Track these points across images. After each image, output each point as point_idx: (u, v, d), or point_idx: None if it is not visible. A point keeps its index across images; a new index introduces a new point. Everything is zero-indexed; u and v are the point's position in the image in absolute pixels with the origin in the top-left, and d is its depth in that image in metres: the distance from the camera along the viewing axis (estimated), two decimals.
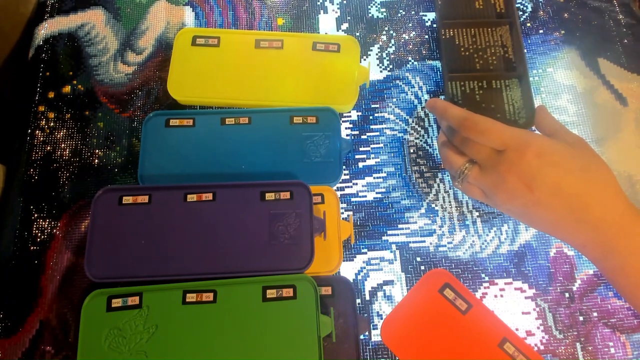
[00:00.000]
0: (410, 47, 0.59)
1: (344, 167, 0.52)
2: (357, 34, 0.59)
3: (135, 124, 0.55)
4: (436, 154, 0.54)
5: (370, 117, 0.56)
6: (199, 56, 0.55)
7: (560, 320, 0.48)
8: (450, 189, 0.53)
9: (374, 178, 0.53)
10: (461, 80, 0.53)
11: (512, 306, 0.48)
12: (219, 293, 0.44)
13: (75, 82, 0.56)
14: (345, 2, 0.61)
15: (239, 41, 0.55)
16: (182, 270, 0.45)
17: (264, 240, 0.46)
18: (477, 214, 0.52)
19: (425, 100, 0.56)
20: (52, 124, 0.54)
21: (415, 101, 0.56)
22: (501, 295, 0.49)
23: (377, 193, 0.53)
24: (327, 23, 0.60)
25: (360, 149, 0.54)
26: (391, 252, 0.50)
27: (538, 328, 0.48)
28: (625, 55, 0.58)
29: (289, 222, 0.46)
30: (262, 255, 0.45)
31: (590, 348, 0.47)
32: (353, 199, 0.52)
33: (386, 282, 0.49)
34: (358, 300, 0.49)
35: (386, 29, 0.60)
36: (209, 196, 0.47)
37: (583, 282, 0.49)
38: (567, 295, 0.49)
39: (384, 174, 0.53)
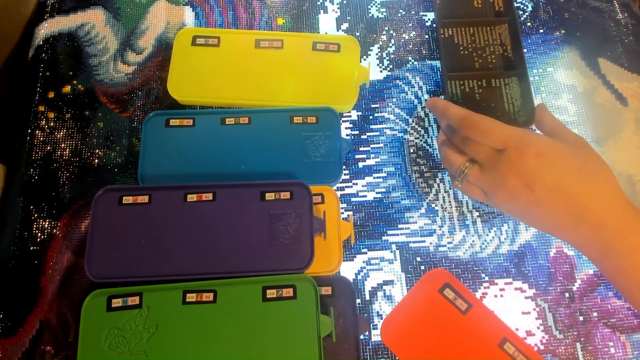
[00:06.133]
0: (410, 47, 0.59)
1: (344, 167, 0.52)
2: (357, 33, 0.59)
3: (135, 124, 0.55)
4: (436, 154, 0.54)
5: (370, 117, 0.56)
6: (199, 56, 0.55)
7: (560, 320, 0.48)
8: (450, 189, 0.53)
9: (374, 178, 0.53)
10: (460, 79, 0.53)
11: (512, 306, 0.48)
12: (219, 293, 0.44)
13: (75, 82, 0.56)
14: (345, 2, 0.61)
15: (239, 41, 0.55)
16: (182, 270, 0.45)
17: (264, 240, 0.46)
18: (477, 214, 0.52)
19: (426, 100, 0.56)
20: (52, 124, 0.54)
21: (415, 101, 0.56)
22: (501, 295, 0.49)
23: (377, 193, 0.53)
24: (327, 23, 0.60)
25: (360, 149, 0.54)
26: (391, 252, 0.50)
27: (538, 328, 0.48)
28: (625, 55, 0.58)
29: (289, 222, 0.46)
30: (262, 255, 0.45)
31: (590, 348, 0.47)
32: (353, 199, 0.52)
33: (386, 282, 0.49)
34: (358, 300, 0.49)
35: (386, 28, 0.60)
36: (209, 196, 0.47)
37: (583, 282, 0.49)
38: (567, 295, 0.49)
39: (384, 174, 0.53)
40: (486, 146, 0.43)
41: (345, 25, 0.60)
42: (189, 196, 0.47)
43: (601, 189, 0.40)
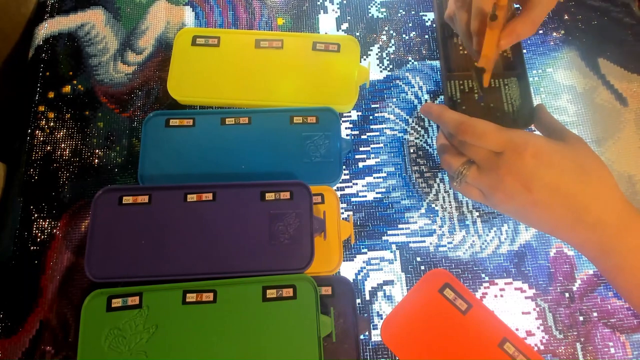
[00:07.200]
0: (410, 47, 0.59)
1: (344, 167, 0.52)
2: (357, 33, 0.59)
3: (135, 124, 0.55)
4: (436, 154, 0.54)
5: (370, 117, 0.56)
6: (199, 56, 0.55)
7: (560, 320, 0.48)
8: (450, 189, 0.53)
9: (374, 178, 0.53)
10: (460, 79, 0.53)
11: (512, 306, 0.48)
12: (219, 293, 0.44)
13: (75, 82, 0.56)
14: (345, 2, 0.61)
15: (239, 41, 0.55)
16: (182, 270, 0.45)
17: (264, 240, 0.46)
18: (477, 214, 0.52)
19: (425, 100, 0.56)
20: (52, 124, 0.54)
21: (415, 101, 0.56)
22: (501, 295, 0.49)
23: (377, 193, 0.53)
24: (327, 23, 0.60)
25: (360, 149, 0.54)
26: (391, 252, 0.50)
27: (538, 328, 0.48)
28: (625, 55, 0.58)
29: (289, 222, 0.46)
30: (262, 255, 0.45)
31: (590, 348, 0.47)
32: (353, 199, 0.52)
33: (386, 282, 0.49)
34: (358, 300, 0.49)
35: (386, 28, 0.60)
36: (209, 196, 0.47)
37: (583, 282, 0.49)
38: (567, 295, 0.49)
39: (384, 174, 0.53)
40: (484, 148, 0.43)
41: (345, 25, 0.60)
42: (189, 196, 0.47)
43: (600, 189, 0.40)
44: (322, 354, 0.42)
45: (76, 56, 0.57)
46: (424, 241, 0.51)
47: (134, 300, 0.44)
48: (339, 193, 0.52)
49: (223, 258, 0.45)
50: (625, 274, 0.40)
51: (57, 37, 0.58)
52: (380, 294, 0.49)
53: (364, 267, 0.50)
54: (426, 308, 0.47)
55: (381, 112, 0.56)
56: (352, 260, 0.50)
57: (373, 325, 0.48)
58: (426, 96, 0.56)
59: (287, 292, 0.44)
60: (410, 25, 0.60)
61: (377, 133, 0.55)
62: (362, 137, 0.55)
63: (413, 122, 0.55)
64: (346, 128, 0.55)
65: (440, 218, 0.52)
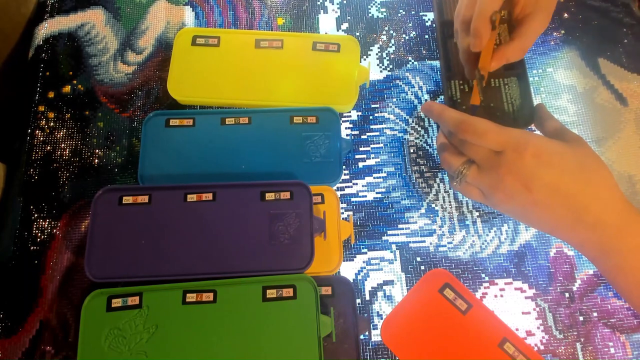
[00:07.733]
0: (410, 47, 0.59)
1: (344, 167, 0.52)
2: (357, 33, 0.59)
3: (135, 124, 0.55)
4: (436, 154, 0.54)
5: (370, 117, 0.56)
6: (199, 56, 0.55)
7: (560, 320, 0.48)
8: (450, 189, 0.53)
9: (374, 178, 0.53)
10: (460, 79, 0.53)
11: (512, 306, 0.48)
12: (219, 293, 0.44)
13: (75, 82, 0.56)
14: (345, 2, 0.61)
15: (239, 41, 0.55)
16: (182, 270, 0.45)
17: (264, 240, 0.46)
18: (477, 214, 0.52)
19: (425, 100, 0.56)
20: (52, 124, 0.54)
21: (415, 101, 0.56)
22: (501, 295, 0.49)
23: (377, 193, 0.53)
24: (327, 23, 0.60)
25: (360, 149, 0.54)
26: (391, 252, 0.50)
27: (538, 328, 0.48)
28: (625, 55, 0.58)
29: (289, 222, 0.46)
30: (262, 255, 0.45)
31: (590, 348, 0.47)
32: (353, 199, 0.52)
33: (386, 282, 0.49)
34: (358, 300, 0.49)
35: (386, 28, 0.60)
36: (209, 196, 0.47)
37: (583, 282, 0.49)
38: (567, 295, 0.49)
39: (384, 174, 0.53)
40: (484, 147, 0.43)
41: (345, 25, 0.60)
42: (189, 196, 0.47)
43: (600, 189, 0.40)
44: (322, 354, 0.42)
45: (76, 56, 0.57)
46: (424, 241, 0.51)
47: (134, 300, 0.44)
48: (339, 193, 0.52)
49: (223, 258, 0.45)
50: (625, 274, 0.40)
51: (57, 37, 0.58)
52: (380, 294, 0.49)
53: (364, 267, 0.50)
54: (426, 308, 0.47)
55: (381, 112, 0.56)
56: (352, 260, 0.50)
57: (373, 325, 0.48)
58: (426, 96, 0.56)
59: (287, 292, 0.44)
60: (410, 25, 0.60)
61: (377, 133, 0.55)
62: (362, 137, 0.55)
63: (413, 122, 0.55)
64: (346, 128, 0.55)
65: (440, 218, 0.52)
